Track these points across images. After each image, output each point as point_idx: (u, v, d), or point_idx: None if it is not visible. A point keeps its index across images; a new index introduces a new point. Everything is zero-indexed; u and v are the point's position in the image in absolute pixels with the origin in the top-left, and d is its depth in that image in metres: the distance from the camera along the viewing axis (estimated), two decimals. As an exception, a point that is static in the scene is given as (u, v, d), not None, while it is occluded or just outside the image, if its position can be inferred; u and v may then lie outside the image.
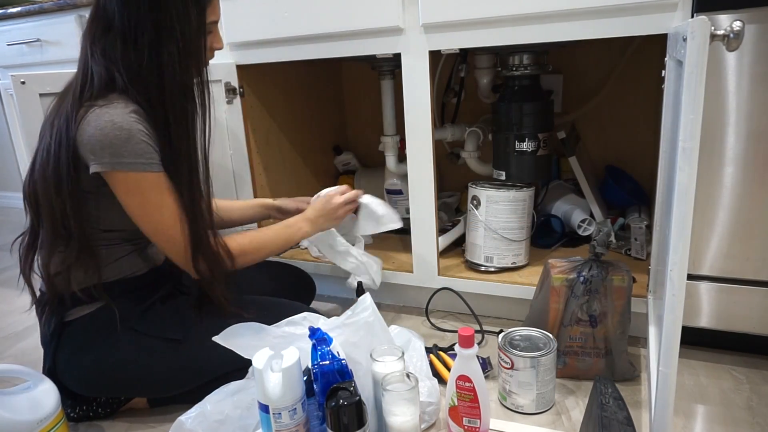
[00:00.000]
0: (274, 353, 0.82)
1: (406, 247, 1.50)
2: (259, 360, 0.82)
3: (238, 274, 1.06)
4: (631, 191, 1.55)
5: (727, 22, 0.91)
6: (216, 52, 1.37)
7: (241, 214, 1.30)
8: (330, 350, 0.84)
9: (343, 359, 0.84)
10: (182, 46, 0.94)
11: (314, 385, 0.84)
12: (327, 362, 0.82)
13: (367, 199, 1.24)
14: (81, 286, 0.98)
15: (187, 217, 0.97)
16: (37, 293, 1.04)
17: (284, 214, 1.29)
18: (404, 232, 1.45)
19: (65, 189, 0.93)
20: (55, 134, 0.93)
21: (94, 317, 1.00)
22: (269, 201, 1.33)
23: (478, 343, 1.22)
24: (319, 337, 0.84)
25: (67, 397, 1.04)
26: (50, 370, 1.02)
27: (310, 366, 0.85)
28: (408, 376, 0.88)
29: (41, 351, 1.05)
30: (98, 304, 1.01)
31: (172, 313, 1.03)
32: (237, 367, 0.98)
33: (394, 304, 1.48)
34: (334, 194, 1.21)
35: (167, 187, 0.95)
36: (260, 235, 1.10)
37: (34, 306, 1.05)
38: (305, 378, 0.85)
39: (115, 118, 0.89)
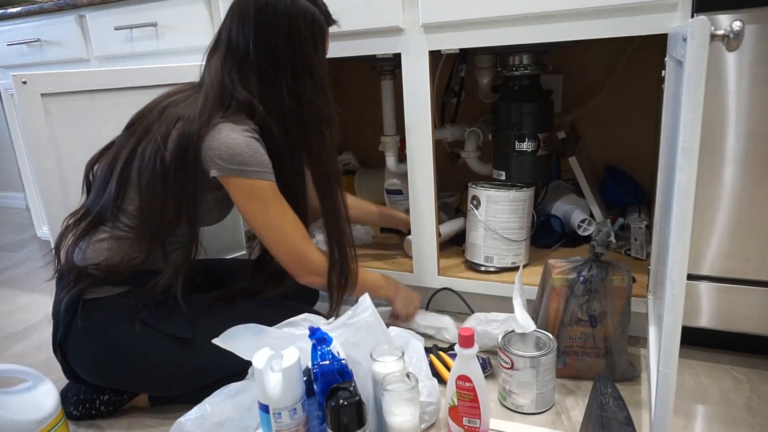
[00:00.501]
0: (274, 353, 0.82)
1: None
2: (259, 360, 0.81)
3: (240, 277, 1.07)
4: (631, 191, 1.56)
5: (727, 22, 0.91)
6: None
7: (363, 215, 1.46)
8: (330, 350, 0.84)
9: (343, 359, 0.84)
10: (317, 79, 1.04)
11: (314, 385, 0.84)
12: (327, 362, 0.82)
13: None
14: (117, 267, 1.00)
15: (327, 233, 1.11)
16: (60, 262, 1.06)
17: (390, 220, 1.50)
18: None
19: (171, 182, 0.99)
20: (176, 131, 0.99)
21: (114, 301, 1.01)
22: (387, 210, 1.49)
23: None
24: (319, 337, 0.84)
25: (69, 378, 1.05)
26: (61, 343, 1.02)
27: (310, 366, 0.86)
28: (408, 376, 0.88)
29: (41, 351, 1.05)
30: (121, 288, 1.01)
31: (185, 311, 1.03)
32: (244, 369, 0.98)
33: (394, 304, 1.48)
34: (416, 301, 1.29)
35: (279, 193, 1.04)
36: (364, 278, 1.17)
37: (56, 275, 1.06)
38: (305, 378, 0.85)
39: (245, 134, 0.98)
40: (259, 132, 1.02)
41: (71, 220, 1.06)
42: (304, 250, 1.07)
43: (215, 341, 0.87)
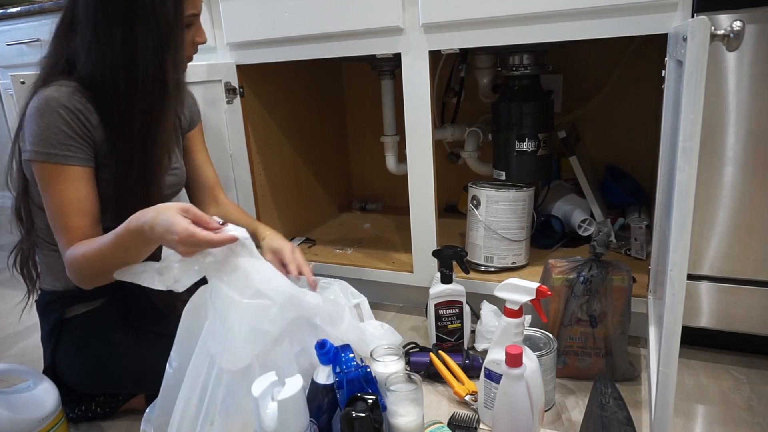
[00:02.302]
0: (277, 380, 0.77)
1: (406, 247, 1.50)
2: (258, 386, 0.75)
3: None
4: (631, 191, 1.56)
5: (727, 22, 0.91)
6: (216, 53, 1.38)
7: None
8: (354, 357, 0.83)
9: (368, 367, 0.82)
10: (158, 38, 0.91)
11: (337, 394, 0.83)
12: (351, 369, 0.81)
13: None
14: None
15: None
16: (38, 291, 1.05)
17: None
18: (405, 229, 1.44)
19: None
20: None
21: (94, 314, 1.01)
22: (258, 231, 1.13)
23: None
24: (334, 348, 0.83)
25: (67, 394, 1.04)
26: (50, 368, 1.03)
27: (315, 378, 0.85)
28: (410, 376, 0.88)
29: (41, 351, 1.06)
30: (98, 301, 1.01)
31: (167, 310, 1.02)
32: None
33: (394, 304, 1.48)
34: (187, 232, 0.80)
35: (72, 179, 0.90)
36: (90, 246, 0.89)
37: (34, 304, 1.06)
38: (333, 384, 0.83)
39: (46, 99, 0.87)
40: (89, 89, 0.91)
41: (13, 250, 1.06)
42: (61, 237, 0.92)
43: (116, 275, 0.82)
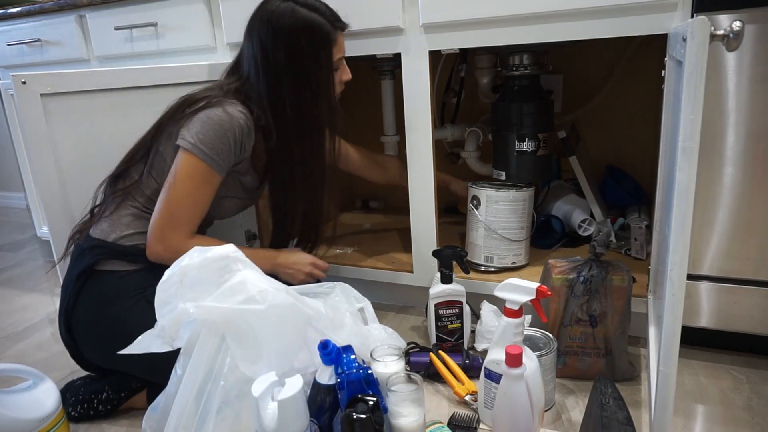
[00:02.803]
0: (277, 380, 0.77)
1: (406, 247, 1.50)
2: (258, 387, 0.76)
3: None
4: (631, 191, 1.56)
5: (726, 22, 0.91)
6: (216, 53, 1.39)
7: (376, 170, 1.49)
8: (355, 359, 0.82)
9: (370, 369, 0.83)
10: (316, 89, 1.10)
11: (339, 395, 0.83)
12: (353, 371, 0.81)
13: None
14: (132, 243, 1.05)
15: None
16: (80, 236, 1.10)
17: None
18: (405, 229, 1.45)
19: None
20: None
21: (125, 276, 1.03)
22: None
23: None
24: (336, 348, 0.83)
25: (74, 359, 1.07)
26: (68, 311, 1.03)
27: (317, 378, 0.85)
28: (410, 376, 0.88)
29: (42, 350, 1.06)
30: (134, 265, 1.04)
31: None
32: None
33: (394, 304, 1.48)
34: (311, 261, 1.21)
35: (210, 182, 1.06)
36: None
37: (73, 246, 1.10)
38: (335, 384, 0.83)
39: (224, 112, 1.04)
40: (260, 129, 1.10)
41: (99, 191, 1.13)
42: (170, 232, 1.05)
43: (122, 352, 0.85)
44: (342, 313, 1.01)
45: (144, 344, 0.84)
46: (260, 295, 0.83)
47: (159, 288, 0.84)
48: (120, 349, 0.99)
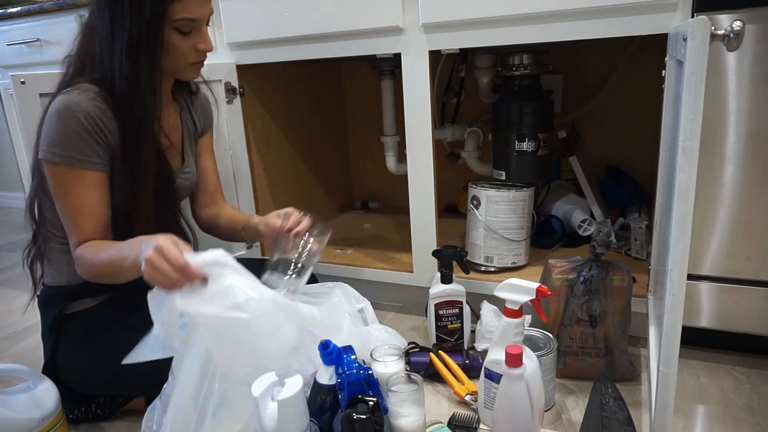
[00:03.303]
0: (277, 380, 0.77)
1: (406, 247, 1.50)
2: (258, 387, 0.76)
3: None
4: (631, 191, 1.56)
5: (727, 21, 0.91)
6: (216, 53, 1.37)
7: (228, 227, 1.18)
8: (356, 359, 0.82)
9: (370, 369, 0.82)
10: (132, 41, 0.91)
11: (339, 396, 0.82)
12: (353, 371, 0.80)
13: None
14: (83, 279, 0.98)
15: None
16: (40, 287, 1.05)
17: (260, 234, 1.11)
18: (405, 229, 1.44)
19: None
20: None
21: (95, 311, 1.01)
22: (251, 219, 1.14)
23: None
24: (336, 349, 0.83)
25: (67, 394, 1.04)
26: (50, 362, 1.02)
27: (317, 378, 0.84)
28: (410, 377, 0.88)
29: (41, 351, 1.06)
30: (100, 298, 1.01)
31: None
32: None
33: (394, 304, 1.48)
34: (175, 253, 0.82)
35: (86, 183, 0.93)
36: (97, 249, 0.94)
37: (36, 298, 1.06)
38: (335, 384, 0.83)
39: (67, 102, 0.90)
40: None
41: (27, 245, 1.06)
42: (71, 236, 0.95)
43: (125, 361, 0.83)
44: (341, 315, 1.00)
45: (146, 352, 0.82)
46: (246, 304, 0.81)
47: (150, 295, 0.83)
48: (112, 379, 0.99)
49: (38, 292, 1.07)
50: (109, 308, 1.01)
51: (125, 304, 0.99)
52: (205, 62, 1.06)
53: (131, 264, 0.85)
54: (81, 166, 0.91)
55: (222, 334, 0.81)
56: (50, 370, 1.03)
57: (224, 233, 1.20)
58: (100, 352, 0.99)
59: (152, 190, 1.00)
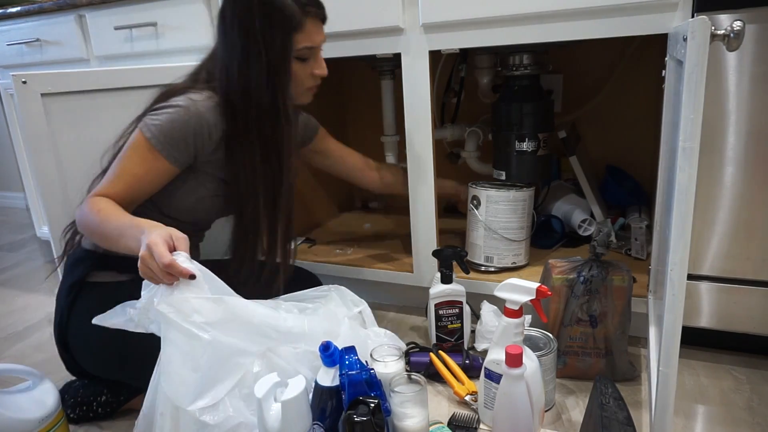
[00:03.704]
0: (280, 380, 0.78)
1: (406, 247, 1.50)
2: (261, 387, 0.76)
3: (243, 273, 1.05)
4: (631, 191, 1.55)
5: (727, 21, 0.91)
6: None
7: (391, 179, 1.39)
8: (358, 359, 0.82)
9: (372, 369, 0.82)
10: (266, 73, 0.99)
11: (342, 395, 0.82)
12: (355, 372, 0.80)
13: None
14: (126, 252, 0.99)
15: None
16: (74, 247, 1.08)
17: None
18: (405, 229, 1.44)
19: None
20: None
21: (118, 287, 1.01)
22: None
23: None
24: (335, 348, 0.82)
25: (70, 371, 1.05)
26: (62, 324, 1.02)
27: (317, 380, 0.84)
28: (410, 377, 0.88)
29: (41, 351, 1.05)
30: (127, 275, 1.01)
31: None
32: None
33: (394, 304, 1.48)
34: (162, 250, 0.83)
35: (153, 166, 0.99)
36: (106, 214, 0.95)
37: (66, 259, 1.08)
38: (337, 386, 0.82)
39: (197, 104, 0.98)
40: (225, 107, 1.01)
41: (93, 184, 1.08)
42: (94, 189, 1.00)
43: (95, 321, 0.85)
44: (339, 321, 1.00)
45: (118, 319, 0.83)
46: (210, 326, 0.81)
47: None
48: (117, 361, 1.00)
49: (66, 256, 1.08)
50: (131, 287, 1.01)
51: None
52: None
53: (124, 246, 0.88)
54: (163, 155, 0.98)
55: (182, 340, 0.80)
56: (59, 334, 1.03)
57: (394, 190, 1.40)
58: (111, 329, 0.98)
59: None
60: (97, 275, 1.03)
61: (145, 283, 0.83)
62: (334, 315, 1.01)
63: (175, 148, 0.98)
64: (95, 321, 0.86)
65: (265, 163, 1.03)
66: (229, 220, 1.11)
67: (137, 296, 0.96)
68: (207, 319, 0.81)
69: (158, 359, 0.82)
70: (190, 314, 0.79)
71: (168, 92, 1.03)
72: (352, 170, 1.38)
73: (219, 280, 0.88)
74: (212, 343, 0.80)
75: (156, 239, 0.80)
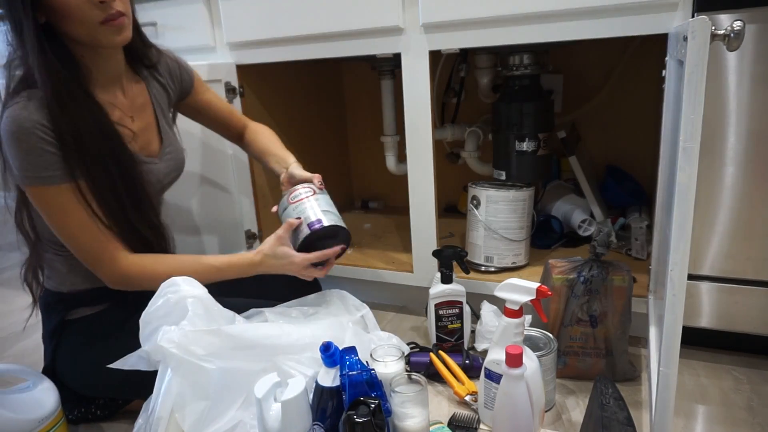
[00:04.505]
0: (279, 380, 0.78)
1: (406, 247, 1.50)
2: (260, 388, 0.77)
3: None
4: (631, 191, 1.55)
5: (727, 21, 0.91)
6: (216, 52, 1.35)
7: (259, 151, 1.23)
8: (359, 359, 0.82)
9: (373, 369, 0.82)
10: (18, 21, 0.82)
11: (343, 396, 0.82)
12: (355, 372, 0.80)
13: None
14: (85, 287, 0.99)
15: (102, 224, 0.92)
16: (41, 290, 1.05)
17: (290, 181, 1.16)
18: (405, 229, 1.44)
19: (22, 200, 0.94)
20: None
21: (97, 317, 1.01)
22: (288, 161, 1.18)
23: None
24: (336, 349, 0.82)
25: (67, 395, 1.04)
26: (50, 367, 1.03)
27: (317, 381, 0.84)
28: (410, 377, 0.88)
29: (41, 351, 1.06)
30: (102, 305, 1.01)
31: None
32: None
33: (394, 304, 1.48)
34: (303, 260, 1.02)
35: (71, 198, 0.88)
36: (176, 266, 0.97)
37: (38, 302, 1.06)
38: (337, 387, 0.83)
39: (17, 121, 0.82)
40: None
41: (25, 261, 1.05)
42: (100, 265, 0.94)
43: (113, 366, 0.85)
44: (343, 328, 1.00)
45: (131, 362, 0.86)
46: (212, 356, 0.83)
47: (142, 320, 0.86)
48: (114, 384, 1.00)
49: (38, 300, 1.06)
50: (111, 315, 1.01)
51: (125, 311, 0.99)
52: (205, 62, 1.03)
53: (244, 270, 1.01)
54: (63, 182, 0.86)
55: (188, 373, 0.82)
56: (50, 374, 1.03)
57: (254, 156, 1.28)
58: (100, 356, 0.98)
59: (116, 198, 0.93)
60: (75, 312, 1.01)
61: (142, 323, 0.86)
62: (338, 323, 1.01)
63: (59, 166, 0.85)
64: (112, 366, 0.86)
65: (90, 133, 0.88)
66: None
67: (116, 321, 0.99)
68: (207, 351, 0.83)
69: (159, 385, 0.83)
70: (192, 347, 0.82)
71: None
72: (227, 131, 1.26)
73: (218, 305, 0.90)
74: (217, 371, 0.83)
75: (300, 270, 1.02)
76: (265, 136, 1.26)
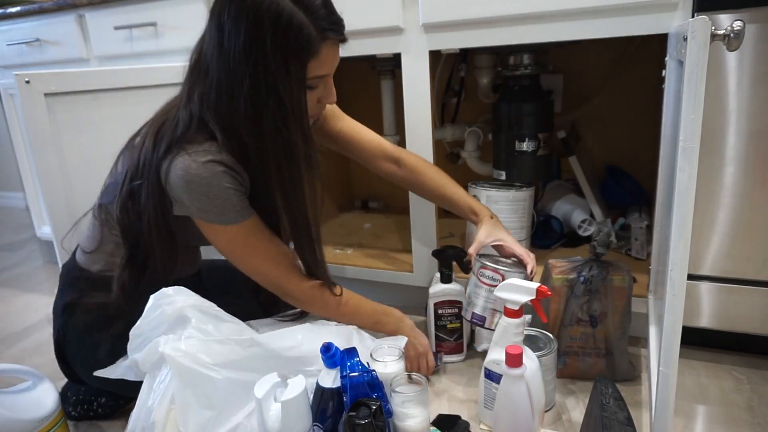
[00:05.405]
0: (279, 380, 0.78)
1: (406, 247, 1.50)
2: (260, 388, 0.76)
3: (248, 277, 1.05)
4: (631, 191, 1.55)
5: (727, 21, 0.91)
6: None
7: (437, 194, 1.17)
8: (359, 361, 0.82)
9: (373, 371, 0.82)
10: (285, 107, 0.85)
11: (343, 397, 0.82)
12: (356, 373, 0.80)
13: None
14: (111, 272, 0.99)
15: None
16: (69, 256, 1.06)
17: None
18: (405, 229, 1.44)
19: (149, 216, 0.93)
20: (141, 166, 0.91)
21: (109, 305, 0.99)
22: (482, 214, 1.11)
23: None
24: (336, 350, 0.82)
25: (70, 381, 1.05)
26: (58, 343, 1.02)
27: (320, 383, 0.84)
28: (410, 377, 0.88)
29: (41, 351, 1.06)
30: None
31: None
32: None
33: (394, 304, 1.48)
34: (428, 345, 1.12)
35: (254, 231, 0.94)
36: (359, 305, 1.07)
37: (61, 269, 1.06)
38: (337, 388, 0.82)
39: (199, 168, 0.85)
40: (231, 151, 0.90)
41: (85, 213, 1.06)
42: (287, 286, 1.00)
43: (98, 373, 0.87)
44: (349, 334, 1.00)
45: (120, 371, 0.86)
46: (219, 366, 0.82)
47: (132, 332, 0.86)
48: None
49: (68, 259, 1.06)
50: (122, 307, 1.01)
51: (138, 303, 0.99)
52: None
53: (380, 329, 1.08)
54: (242, 219, 0.92)
55: (193, 381, 0.81)
56: (57, 349, 1.03)
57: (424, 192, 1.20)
58: (109, 344, 0.98)
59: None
60: (91, 295, 1.01)
61: (132, 335, 0.86)
62: (346, 331, 1.00)
63: (239, 205, 0.91)
64: (98, 374, 0.88)
65: (288, 209, 0.94)
66: None
67: (128, 311, 0.96)
68: (214, 360, 0.82)
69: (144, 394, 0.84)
70: (198, 356, 0.81)
71: (162, 137, 0.90)
72: (364, 160, 1.20)
73: (221, 311, 0.90)
74: (223, 381, 0.82)
75: (427, 349, 1.11)
76: (430, 175, 1.19)
